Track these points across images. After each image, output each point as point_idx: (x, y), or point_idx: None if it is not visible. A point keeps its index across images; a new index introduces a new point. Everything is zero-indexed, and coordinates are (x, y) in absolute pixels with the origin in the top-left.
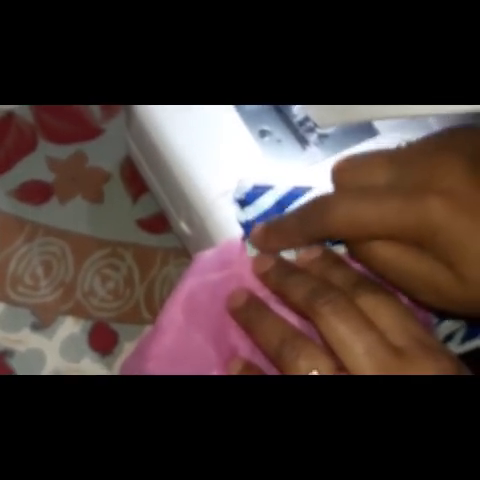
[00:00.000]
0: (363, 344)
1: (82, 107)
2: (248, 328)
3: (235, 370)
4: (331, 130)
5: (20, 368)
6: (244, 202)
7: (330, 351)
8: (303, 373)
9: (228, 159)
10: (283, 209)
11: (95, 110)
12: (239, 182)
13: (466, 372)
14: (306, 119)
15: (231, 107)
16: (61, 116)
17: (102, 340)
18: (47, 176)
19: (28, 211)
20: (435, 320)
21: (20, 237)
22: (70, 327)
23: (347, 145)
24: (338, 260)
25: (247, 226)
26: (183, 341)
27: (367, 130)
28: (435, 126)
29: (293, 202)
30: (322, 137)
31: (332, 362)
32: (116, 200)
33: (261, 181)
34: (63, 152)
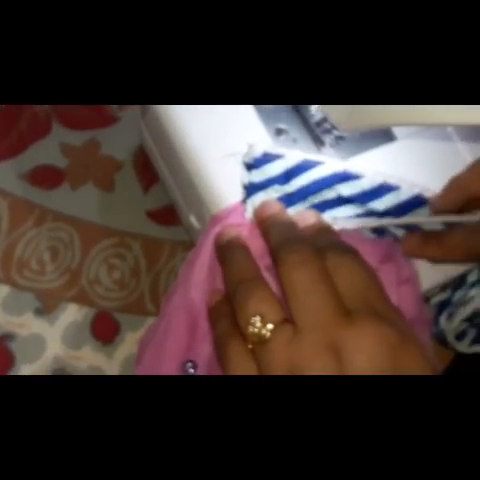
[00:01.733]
0: (313, 297)
1: None
2: (221, 264)
3: (213, 301)
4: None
5: (20, 352)
6: (251, 166)
7: (284, 303)
8: (248, 316)
9: (240, 152)
10: (290, 179)
11: None
12: (250, 147)
13: (413, 347)
14: (323, 120)
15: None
16: None
17: (104, 329)
18: (60, 161)
19: (39, 195)
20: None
21: (29, 221)
22: (73, 314)
23: (363, 149)
24: (329, 229)
25: (250, 188)
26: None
27: (384, 135)
28: (454, 136)
29: (301, 174)
30: (338, 139)
31: (280, 312)
32: (127, 189)
33: (272, 149)
34: (77, 138)
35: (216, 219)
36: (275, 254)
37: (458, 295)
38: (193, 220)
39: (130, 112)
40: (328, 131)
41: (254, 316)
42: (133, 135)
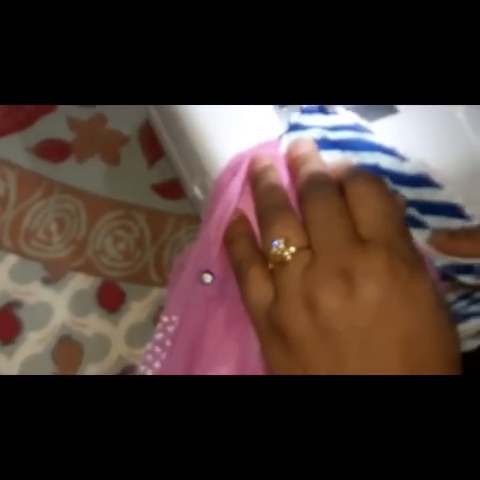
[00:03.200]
0: (331, 226)
1: None
2: (253, 186)
3: (231, 219)
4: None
5: (28, 320)
6: (305, 111)
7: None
8: (273, 237)
9: (246, 127)
10: (336, 130)
11: None
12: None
13: (422, 283)
14: None
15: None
16: None
17: (110, 298)
18: (67, 135)
19: (46, 168)
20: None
21: (37, 193)
22: (79, 283)
23: (367, 119)
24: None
25: (293, 126)
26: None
27: (386, 107)
28: (464, 122)
29: (349, 131)
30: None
31: (303, 239)
32: (132, 163)
33: (329, 107)
34: (83, 113)
35: (250, 152)
36: (301, 192)
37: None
38: (197, 191)
39: None
40: None
41: (279, 238)
42: (139, 110)
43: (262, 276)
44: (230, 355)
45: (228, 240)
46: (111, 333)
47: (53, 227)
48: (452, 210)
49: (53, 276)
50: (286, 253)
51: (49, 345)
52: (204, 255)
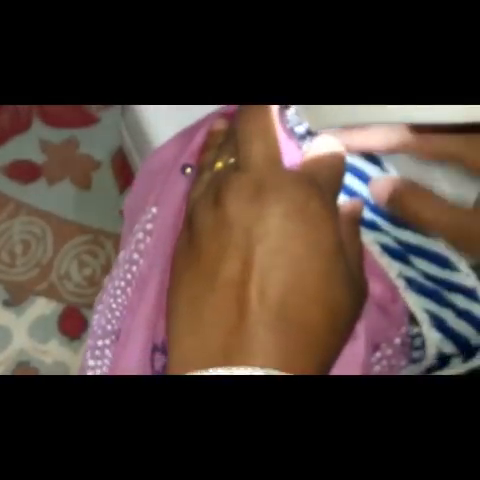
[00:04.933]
0: (257, 143)
1: None
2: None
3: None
4: None
5: None
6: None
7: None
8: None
9: None
10: None
11: None
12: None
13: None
14: None
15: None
16: None
17: (72, 324)
18: (38, 157)
19: (14, 189)
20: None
21: (2, 213)
22: (41, 308)
23: None
24: None
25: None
26: None
27: None
28: None
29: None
30: None
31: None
32: (103, 188)
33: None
34: (56, 136)
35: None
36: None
37: None
38: None
39: (111, 113)
40: None
41: (226, 154)
42: (113, 136)
43: (206, 180)
44: None
45: (204, 147)
46: (71, 361)
47: (18, 249)
48: (443, 261)
49: (14, 299)
50: (219, 162)
51: (7, 370)
52: (186, 151)
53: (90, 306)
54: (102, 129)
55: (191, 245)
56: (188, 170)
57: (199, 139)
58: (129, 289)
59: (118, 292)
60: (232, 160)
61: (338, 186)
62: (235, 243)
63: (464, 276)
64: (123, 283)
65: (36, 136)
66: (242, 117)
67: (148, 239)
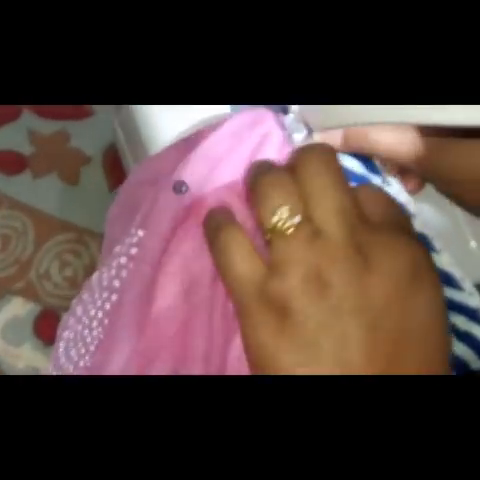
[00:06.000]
0: (335, 196)
1: None
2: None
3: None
4: None
5: None
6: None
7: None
8: (274, 205)
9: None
10: None
11: None
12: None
13: (432, 275)
14: None
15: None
16: None
17: (48, 328)
18: (25, 148)
19: None
20: None
21: None
22: (17, 308)
23: None
24: None
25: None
26: None
27: None
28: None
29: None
30: None
31: (306, 210)
32: (92, 185)
33: None
34: (47, 127)
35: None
36: (292, 160)
37: None
38: None
39: (105, 108)
40: None
41: (281, 206)
42: (106, 132)
43: (248, 249)
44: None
45: (206, 221)
46: (44, 368)
47: None
48: (446, 278)
49: None
50: (289, 224)
51: None
52: (181, 166)
53: (68, 309)
54: (95, 123)
55: (290, 336)
56: (184, 188)
57: (199, 159)
58: (107, 321)
59: (94, 324)
60: (298, 218)
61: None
62: (354, 331)
63: (467, 295)
64: (100, 314)
65: (25, 126)
66: (308, 165)
67: (131, 265)
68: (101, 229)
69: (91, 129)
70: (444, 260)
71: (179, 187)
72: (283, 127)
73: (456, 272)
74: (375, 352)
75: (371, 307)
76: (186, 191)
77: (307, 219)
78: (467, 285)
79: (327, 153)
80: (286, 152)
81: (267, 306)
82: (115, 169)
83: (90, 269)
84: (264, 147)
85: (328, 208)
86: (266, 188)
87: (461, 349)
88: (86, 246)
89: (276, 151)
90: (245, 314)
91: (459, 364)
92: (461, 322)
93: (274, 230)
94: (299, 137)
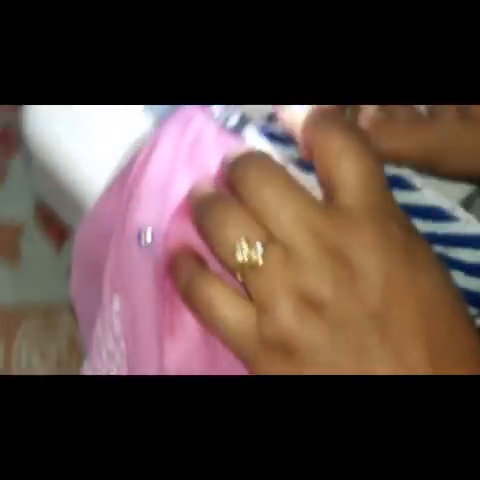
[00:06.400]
0: (290, 207)
1: None
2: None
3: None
4: None
5: None
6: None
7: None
8: (231, 242)
9: None
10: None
11: None
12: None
13: (424, 245)
14: None
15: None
16: None
17: None
18: None
19: None
20: None
21: None
22: None
23: None
24: None
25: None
26: None
27: None
28: None
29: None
30: None
31: (262, 230)
32: (36, 255)
33: None
34: None
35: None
36: (228, 178)
37: None
38: None
39: (18, 161)
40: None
41: (238, 241)
42: (27, 192)
43: (230, 295)
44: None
45: (170, 266)
46: None
47: None
48: (434, 212)
49: None
50: (254, 256)
51: None
52: (129, 208)
53: None
54: (13, 183)
55: (304, 367)
56: (148, 238)
57: (149, 194)
58: None
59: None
60: (259, 247)
61: (390, 191)
62: (369, 339)
63: (465, 224)
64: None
65: None
66: (246, 182)
67: (123, 344)
68: (66, 298)
69: (12, 195)
70: (428, 195)
71: (144, 237)
72: (212, 117)
73: (444, 204)
74: (401, 352)
75: (373, 312)
76: (152, 239)
77: (270, 240)
78: (461, 213)
79: (259, 160)
80: (223, 140)
81: (270, 348)
82: (54, 226)
83: (75, 340)
84: (200, 145)
85: (284, 221)
86: (214, 227)
87: (473, 283)
88: (57, 325)
89: (213, 144)
90: (252, 365)
91: (472, 298)
92: (467, 255)
93: (242, 269)
94: (234, 120)
